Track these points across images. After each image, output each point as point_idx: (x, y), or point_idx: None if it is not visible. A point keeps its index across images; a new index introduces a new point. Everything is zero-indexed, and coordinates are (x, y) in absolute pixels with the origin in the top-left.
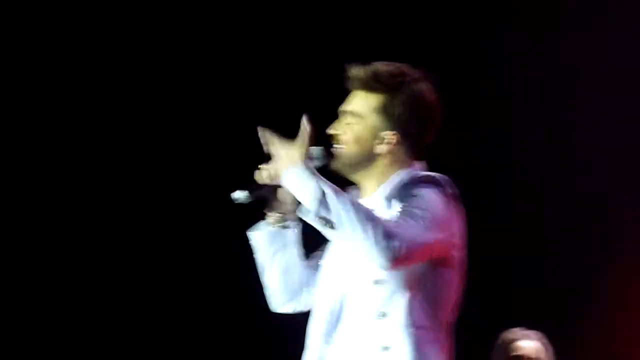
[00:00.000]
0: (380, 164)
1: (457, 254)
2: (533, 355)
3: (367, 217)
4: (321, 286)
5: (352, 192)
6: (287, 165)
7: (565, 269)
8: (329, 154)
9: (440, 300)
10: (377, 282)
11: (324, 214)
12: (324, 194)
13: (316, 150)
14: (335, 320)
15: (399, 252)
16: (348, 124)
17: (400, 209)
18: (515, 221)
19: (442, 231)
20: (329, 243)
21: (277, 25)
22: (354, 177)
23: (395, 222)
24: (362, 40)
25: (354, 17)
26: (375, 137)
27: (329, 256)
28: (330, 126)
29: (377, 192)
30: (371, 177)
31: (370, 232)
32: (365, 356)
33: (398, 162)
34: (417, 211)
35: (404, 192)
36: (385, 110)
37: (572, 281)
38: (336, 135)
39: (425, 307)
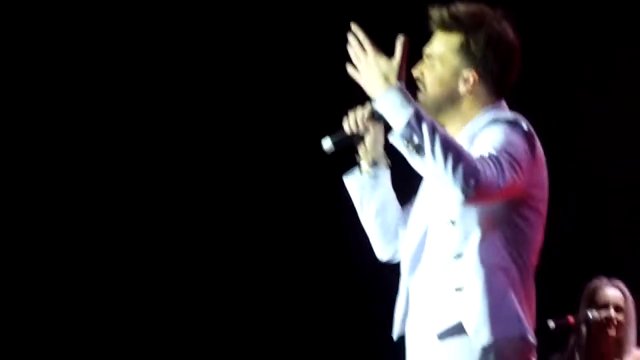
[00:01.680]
0: (464, 104)
1: (539, 193)
2: (617, 302)
3: (454, 150)
4: (409, 225)
5: None
6: (382, 86)
7: None
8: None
9: (520, 240)
10: (452, 222)
11: (414, 139)
12: (417, 119)
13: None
14: (417, 258)
15: (476, 189)
16: (430, 65)
17: (481, 148)
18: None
19: (522, 173)
20: (420, 187)
21: None
22: (439, 119)
23: (478, 159)
24: None
25: None
26: (456, 77)
27: (418, 197)
28: (414, 68)
29: (461, 133)
30: (455, 118)
31: (450, 164)
32: (440, 296)
33: (481, 102)
34: (498, 151)
35: (486, 131)
36: (464, 50)
37: None
38: (419, 77)
39: (501, 247)
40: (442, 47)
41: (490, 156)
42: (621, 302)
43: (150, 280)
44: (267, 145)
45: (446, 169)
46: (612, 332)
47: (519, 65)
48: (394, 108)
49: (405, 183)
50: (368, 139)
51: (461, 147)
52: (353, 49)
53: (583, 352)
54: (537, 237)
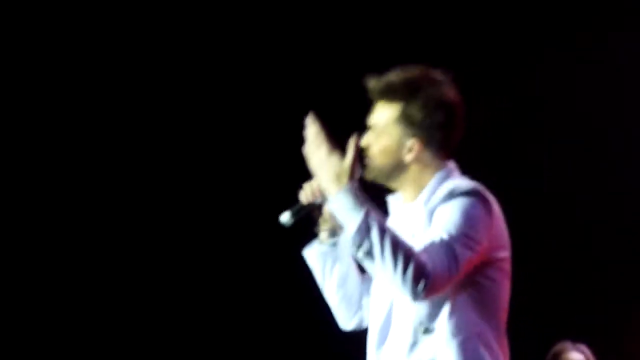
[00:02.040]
0: (413, 171)
1: (501, 254)
2: None
3: (403, 253)
4: (373, 297)
5: (392, 198)
6: (333, 186)
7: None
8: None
9: (488, 300)
10: None
11: (364, 244)
12: (367, 224)
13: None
14: (384, 333)
15: (427, 289)
16: (375, 136)
17: (436, 230)
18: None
19: (479, 246)
20: None
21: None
22: (391, 185)
23: (427, 256)
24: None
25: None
26: (400, 146)
27: None
28: (361, 139)
29: (418, 200)
30: (407, 184)
31: (400, 268)
32: None
33: (430, 167)
34: (451, 234)
35: (443, 208)
36: (404, 120)
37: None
38: (366, 147)
39: (471, 311)
40: (382, 118)
41: (442, 243)
42: None
43: (149, 280)
44: (268, 144)
45: (395, 273)
46: None
47: (462, 124)
48: (345, 211)
49: None
50: (325, 209)
51: (410, 248)
52: (307, 139)
53: None
54: (505, 295)
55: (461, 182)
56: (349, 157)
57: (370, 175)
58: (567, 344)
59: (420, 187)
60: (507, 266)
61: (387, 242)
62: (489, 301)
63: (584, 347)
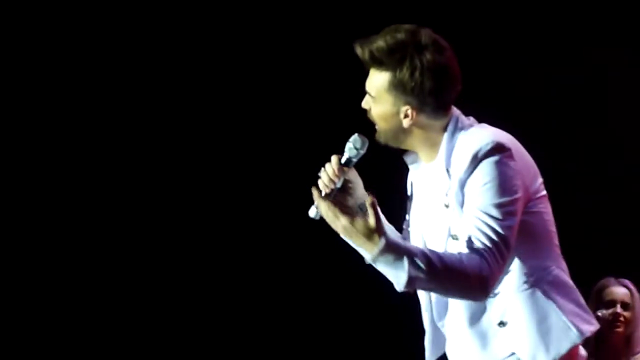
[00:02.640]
0: (417, 134)
1: (536, 187)
2: (624, 300)
3: (457, 276)
4: None
5: (410, 156)
6: (368, 249)
7: None
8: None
9: (539, 234)
10: None
11: (420, 287)
12: (414, 270)
13: (356, 140)
14: (444, 299)
15: (489, 289)
16: (372, 102)
17: (475, 212)
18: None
19: (519, 199)
20: (408, 207)
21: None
22: (404, 147)
23: (479, 259)
24: None
25: None
26: (397, 113)
27: (414, 219)
28: (363, 102)
29: (437, 161)
30: (418, 145)
31: (460, 289)
32: (482, 332)
33: (433, 126)
34: (493, 220)
35: (473, 183)
36: (395, 87)
37: None
38: (368, 111)
39: (528, 259)
40: (375, 86)
41: (486, 228)
42: (628, 300)
43: (149, 280)
44: (269, 142)
45: (459, 293)
46: (620, 329)
47: (457, 78)
48: (389, 268)
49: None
50: (347, 188)
51: (460, 261)
52: (324, 216)
53: (592, 350)
54: (550, 219)
55: (477, 136)
56: (371, 217)
57: (381, 140)
58: (611, 280)
59: (433, 145)
60: (543, 192)
61: (440, 274)
62: (539, 234)
63: (627, 282)
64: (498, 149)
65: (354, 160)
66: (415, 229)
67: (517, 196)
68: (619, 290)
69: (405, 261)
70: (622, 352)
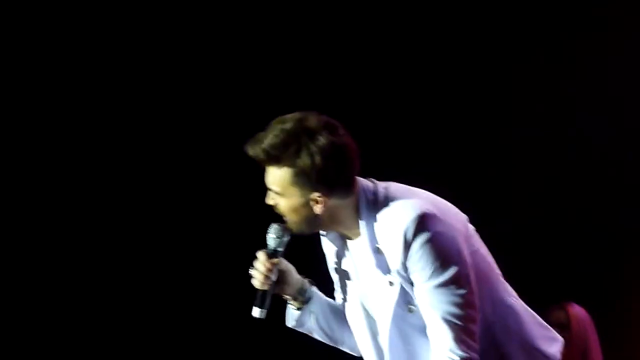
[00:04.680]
0: (332, 216)
1: (467, 228)
2: (560, 322)
3: None
4: (355, 318)
5: (330, 234)
6: None
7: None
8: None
9: (483, 271)
10: (411, 309)
11: None
12: None
13: (276, 230)
14: (398, 351)
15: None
16: (278, 198)
17: (431, 310)
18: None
19: (466, 266)
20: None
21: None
22: (321, 231)
23: (447, 346)
24: None
25: None
26: (306, 203)
27: (353, 298)
28: (267, 197)
29: (360, 239)
30: (336, 227)
31: None
32: None
33: (347, 205)
34: (445, 296)
35: (411, 264)
36: (299, 179)
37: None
38: (275, 207)
39: (483, 298)
40: (278, 182)
41: (448, 323)
42: (563, 321)
43: (148, 280)
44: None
45: None
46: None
47: (356, 152)
48: None
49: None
50: (282, 278)
51: None
52: None
53: None
54: (485, 250)
55: (398, 214)
56: None
57: (294, 231)
58: (569, 304)
59: (351, 222)
60: (472, 228)
61: None
62: (483, 270)
63: (566, 304)
64: (424, 223)
65: (281, 249)
66: (353, 301)
67: (462, 264)
68: (553, 315)
69: None
70: None
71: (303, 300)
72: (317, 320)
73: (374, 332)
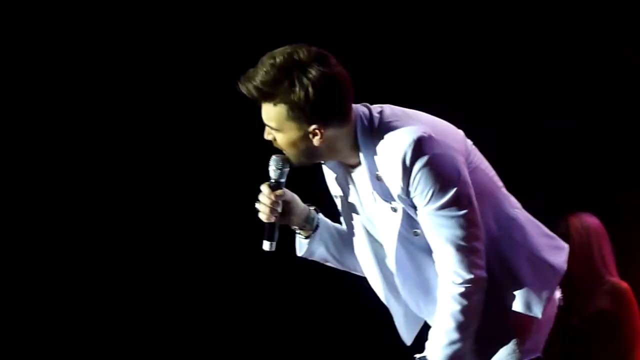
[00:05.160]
0: (330, 147)
1: (467, 146)
2: (561, 232)
3: (464, 330)
4: (362, 244)
5: (329, 164)
6: None
7: None
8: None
9: (486, 186)
10: (416, 233)
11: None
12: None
13: (276, 161)
14: (406, 273)
15: (476, 290)
16: (275, 133)
17: (435, 235)
18: None
19: (468, 186)
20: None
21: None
22: (321, 162)
23: (453, 270)
24: None
25: None
26: (304, 137)
27: (358, 225)
28: (265, 132)
29: (361, 167)
30: (335, 155)
31: (472, 319)
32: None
33: (345, 134)
34: (456, 244)
35: (413, 189)
36: (295, 113)
37: None
38: (273, 142)
39: (487, 213)
40: (274, 118)
41: (452, 247)
42: (565, 231)
43: (147, 280)
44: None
45: (477, 319)
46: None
47: (349, 80)
48: None
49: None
50: (288, 209)
51: (459, 326)
52: None
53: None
54: (487, 165)
55: (396, 140)
56: None
57: (296, 163)
58: (578, 213)
59: (351, 150)
60: (471, 145)
61: (464, 337)
62: (485, 185)
63: (593, 216)
64: (421, 147)
65: (283, 180)
66: (357, 228)
67: (462, 184)
68: (592, 221)
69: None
70: (587, 280)
71: (311, 228)
72: (326, 247)
73: (379, 258)
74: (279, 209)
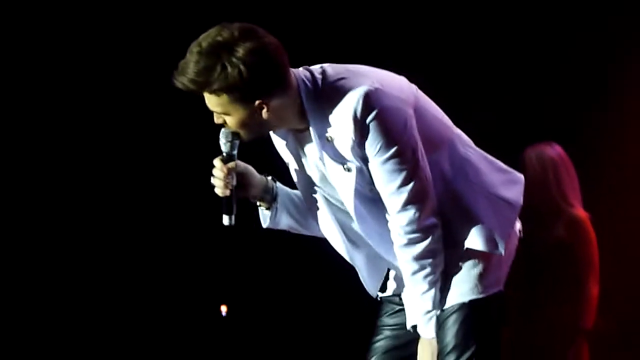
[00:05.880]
0: (279, 117)
1: (415, 93)
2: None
3: (433, 283)
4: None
5: (278, 132)
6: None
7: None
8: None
9: (434, 129)
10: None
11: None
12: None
13: (226, 134)
14: (369, 227)
15: (428, 233)
16: (223, 117)
17: (386, 184)
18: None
19: (417, 142)
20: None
21: None
22: (274, 131)
23: (402, 218)
24: None
25: None
26: (252, 114)
27: (311, 191)
28: (215, 117)
29: (309, 133)
30: (285, 123)
31: (436, 263)
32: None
33: (290, 101)
34: (398, 173)
35: (366, 142)
36: (236, 95)
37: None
38: (225, 125)
39: (436, 156)
40: (218, 105)
41: (403, 196)
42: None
43: (147, 279)
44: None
45: (443, 262)
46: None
47: (279, 47)
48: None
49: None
50: (245, 182)
51: (425, 277)
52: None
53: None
54: (433, 106)
55: (344, 96)
56: None
57: (250, 139)
58: (537, 145)
59: (300, 117)
60: (418, 91)
61: (434, 283)
62: (434, 129)
63: (555, 145)
64: (370, 101)
65: (234, 152)
66: (313, 192)
67: (409, 137)
68: (550, 153)
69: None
70: (544, 210)
71: (271, 198)
72: (290, 214)
73: (337, 218)
74: (234, 182)
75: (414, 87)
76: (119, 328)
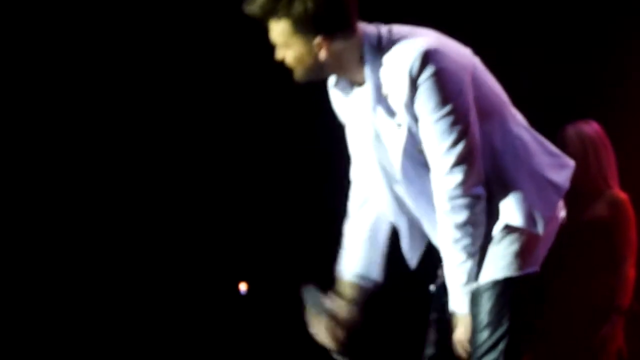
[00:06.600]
0: (337, 61)
1: (474, 63)
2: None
3: (471, 255)
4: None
5: (339, 84)
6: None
7: None
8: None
9: (491, 103)
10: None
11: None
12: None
13: (312, 294)
14: (422, 193)
15: (471, 198)
16: (283, 51)
17: (435, 145)
18: None
19: (469, 103)
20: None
21: None
22: (329, 77)
23: (446, 181)
24: None
25: None
26: (310, 50)
27: (367, 150)
28: (275, 54)
29: (366, 87)
30: (342, 72)
31: (478, 226)
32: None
33: (351, 47)
34: (447, 134)
35: (418, 101)
36: (298, 27)
37: None
38: (283, 60)
39: (490, 130)
40: (280, 35)
41: (449, 158)
42: (566, 141)
43: (147, 279)
44: (264, 139)
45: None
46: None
47: None
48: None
49: None
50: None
51: (465, 239)
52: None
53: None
54: (492, 80)
55: (403, 52)
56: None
57: (303, 80)
58: (577, 122)
59: (358, 67)
60: (478, 62)
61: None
62: (491, 103)
63: (593, 123)
64: (428, 59)
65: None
66: (366, 150)
67: (462, 100)
68: (587, 130)
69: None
70: (585, 191)
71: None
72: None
73: (389, 178)
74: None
75: (476, 58)
76: (137, 306)
